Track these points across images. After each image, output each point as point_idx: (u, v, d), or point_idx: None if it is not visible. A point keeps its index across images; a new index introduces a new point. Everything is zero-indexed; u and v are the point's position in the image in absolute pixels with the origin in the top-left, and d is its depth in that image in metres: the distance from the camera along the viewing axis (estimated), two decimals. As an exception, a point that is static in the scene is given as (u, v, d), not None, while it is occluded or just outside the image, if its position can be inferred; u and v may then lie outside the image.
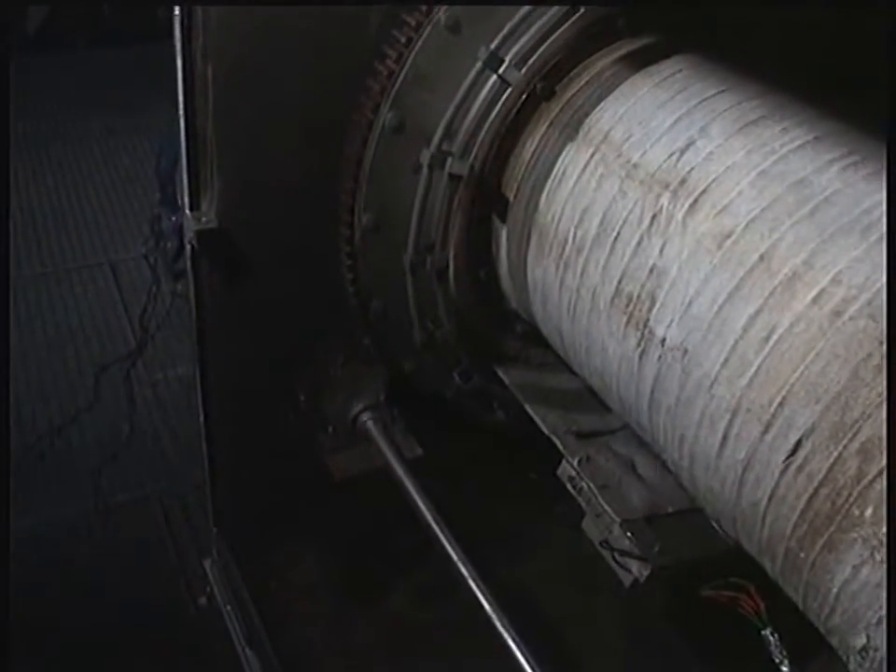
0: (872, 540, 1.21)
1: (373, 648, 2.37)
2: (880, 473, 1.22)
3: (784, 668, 1.67)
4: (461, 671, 2.38)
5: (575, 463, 1.97)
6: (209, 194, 1.91)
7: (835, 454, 1.27)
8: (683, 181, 1.59)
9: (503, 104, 1.85)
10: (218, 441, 2.35)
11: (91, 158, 5.08)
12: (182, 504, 3.14)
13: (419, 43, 1.80)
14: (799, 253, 1.39)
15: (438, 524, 2.01)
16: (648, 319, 1.58)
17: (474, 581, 1.93)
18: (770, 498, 1.38)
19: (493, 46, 1.81)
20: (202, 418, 2.32)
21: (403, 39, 1.81)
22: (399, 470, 2.11)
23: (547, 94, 1.87)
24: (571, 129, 1.83)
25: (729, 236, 1.48)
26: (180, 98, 1.81)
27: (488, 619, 1.86)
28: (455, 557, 1.97)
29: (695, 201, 1.56)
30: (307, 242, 2.07)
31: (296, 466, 2.36)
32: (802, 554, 1.34)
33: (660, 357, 1.56)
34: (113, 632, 2.74)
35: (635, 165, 1.67)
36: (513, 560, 2.40)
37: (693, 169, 1.59)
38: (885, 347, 1.26)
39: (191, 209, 1.93)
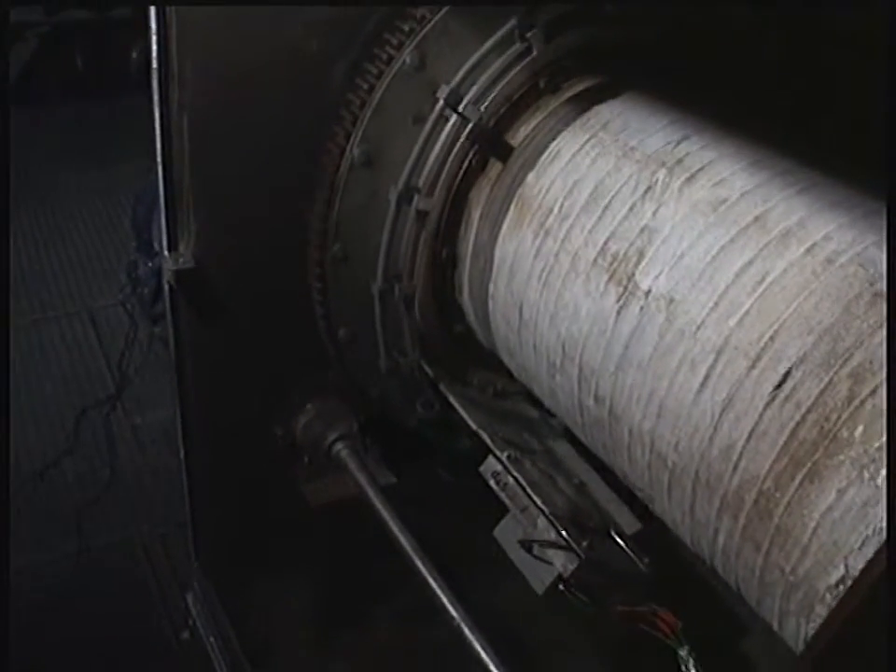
0: (861, 459, 1.23)
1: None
2: (871, 393, 1.26)
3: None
4: None
5: (504, 457, 1.96)
6: (186, 236, 2.00)
7: (826, 379, 1.30)
8: (680, 161, 1.69)
9: (462, 143, 1.92)
10: (198, 476, 2.36)
11: (66, 209, 5.13)
12: (163, 542, 3.18)
13: (386, 81, 1.88)
14: (791, 217, 1.50)
15: (413, 548, 2.02)
16: (633, 274, 1.61)
17: (452, 605, 1.91)
18: (749, 437, 1.38)
19: (454, 84, 1.89)
20: (182, 454, 2.36)
21: (366, 86, 1.89)
22: (374, 497, 2.13)
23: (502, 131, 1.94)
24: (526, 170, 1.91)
25: (724, 202, 1.57)
26: (158, 146, 1.92)
27: (469, 644, 1.84)
28: (432, 582, 1.96)
29: (692, 175, 1.65)
30: (281, 280, 2.17)
31: (274, 498, 2.39)
32: (777, 494, 1.34)
33: (642, 308, 1.58)
34: (98, 663, 2.77)
35: (632, 148, 1.76)
36: (490, 585, 2.43)
37: (688, 154, 1.69)
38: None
39: (169, 250, 2.01)
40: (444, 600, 1.93)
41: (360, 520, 2.17)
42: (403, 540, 2.04)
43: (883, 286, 1.36)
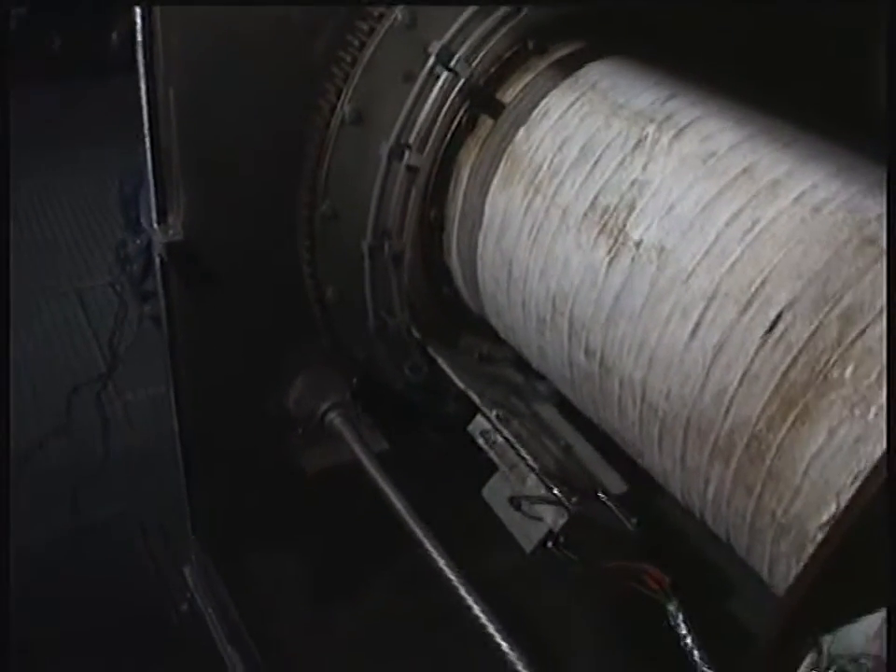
0: (852, 398, 1.25)
1: (353, 640, 2.43)
2: (861, 333, 1.28)
3: (688, 640, 1.58)
4: (443, 662, 2.42)
5: (492, 415, 1.96)
6: (175, 209, 2.00)
7: (816, 322, 1.33)
8: (668, 117, 1.71)
9: (453, 99, 1.93)
10: (192, 449, 2.36)
11: (53, 191, 5.11)
12: (158, 517, 3.19)
13: (377, 38, 1.88)
14: (779, 168, 1.52)
15: (409, 513, 2.02)
16: (624, 226, 1.63)
17: (449, 569, 1.91)
18: (740, 381, 1.40)
19: (444, 40, 1.89)
20: (175, 427, 2.37)
21: (357, 42, 1.88)
22: (368, 463, 2.14)
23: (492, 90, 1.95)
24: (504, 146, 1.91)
25: (713, 155, 1.59)
26: (145, 120, 1.91)
27: (467, 608, 1.84)
28: (428, 547, 1.95)
29: (680, 131, 1.67)
30: (270, 250, 2.16)
31: (269, 468, 2.38)
32: (769, 436, 1.35)
33: (633, 259, 1.59)
34: (99, 639, 2.80)
35: (620, 106, 1.78)
36: (484, 553, 2.44)
37: (676, 111, 1.72)
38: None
39: (159, 223, 2.00)
40: (441, 564, 1.93)
41: (355, 488, 2.18)
42: (399, 505, 2.05)
43: (871, 231, 1.38)
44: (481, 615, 1.83)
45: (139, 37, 1.82)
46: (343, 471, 2.25)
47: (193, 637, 2.57)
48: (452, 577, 1.92)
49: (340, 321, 2.22)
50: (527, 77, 1.96)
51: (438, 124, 1.94)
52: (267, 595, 2.48)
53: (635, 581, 1.72)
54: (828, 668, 1.04)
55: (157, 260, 2.09)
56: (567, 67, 1.92)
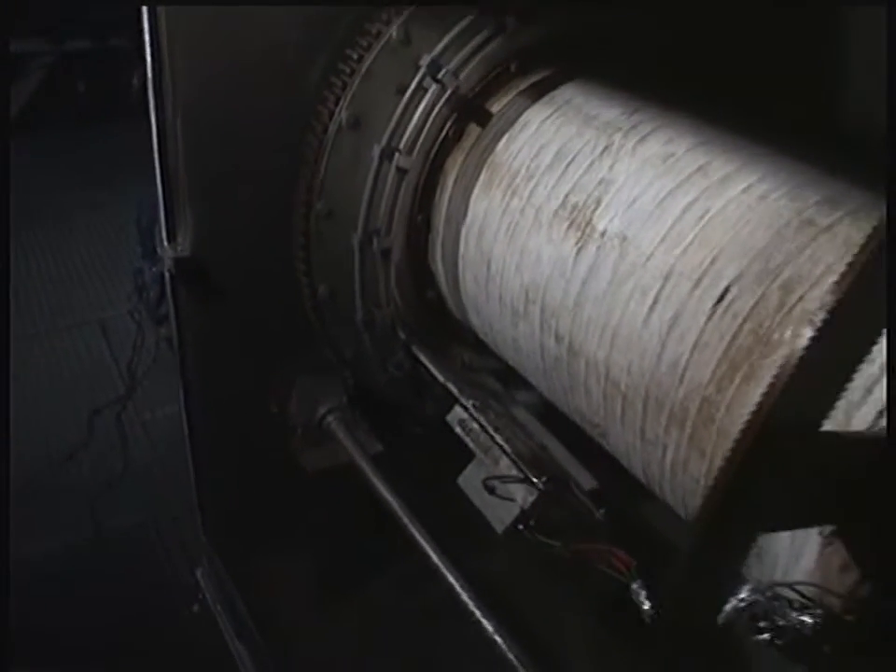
0: (792, 357, 1.24)
1: (356, 635, 2.51)
2: (799, 299, 1.39)
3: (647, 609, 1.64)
4: (442, 655, 2.48)
5: (469, 405, 2.06)
6: (183, 228, 2.16)
7: (759, 292, 1.44)
8: (634, 126, 1.86)
9: (440, 109, 2.08)
10: (202, 454, 2.48)
11: (77, 229, 5.39)
12: (174, 525, 3.31)
13: (374, 52, 2.03)
14: (730, 166, 1.66)
15: (403, 511, 2.10)
16: (591, 219, 1.76)
17: (444, 566, 1.98)
18: (692, 349, 1.50)
19: (434, 54, 2.05)
20: (185, 431, 2.48)
21: (356, 56, 2.04)
22: (363, 464, 2.26)
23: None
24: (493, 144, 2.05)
25: (672, 156, 1.75)
26: (154, 146, 2.09)
27: (462, 605, 1.90)
28: (422, 543, 2.03)
29: (643, 137, 1.83)
30: (273, 263, 2.31)
31: (276, 473, 2.49)
32: (718, 397, 1.45)
33: (598, 248, 1.72)
34: (114, 639, 2.91)
35: (592, 117, 1.94)
36: (479, 551, 2.48)
37: (641, 122, 1.87)
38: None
39: (168, 242, 2.17)
40: (435, 560, 2.02)
41: (359, 490, 2.28)
42: (394, 504, 2.15)
43: (809, 214, 1.51)
44: (475, 611, 1.90)
45: (149, 72, 1.96)
46: (340, 472, 2.35)
47: (204, 634, 2.66)
48: (447, 574, 1.99)
49: (331, 318, 2.33)
50: (509, 96, 2.12)
51: (426, 130, 2.10)
52: (274, 594, 2.57)
53: (603, 563, 1.78)
54: (763, 593, 1.11)
55: (167, 275, 2.22)
56: (546, 86, 2.09)
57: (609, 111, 1.94)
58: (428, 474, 2.55)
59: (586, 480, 2.02)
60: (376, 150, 2.10)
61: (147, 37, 1.95)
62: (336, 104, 2.06)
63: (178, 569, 3.15)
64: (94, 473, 3.68)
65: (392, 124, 2.09)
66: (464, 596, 1.94)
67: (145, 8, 1.92)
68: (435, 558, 2.02)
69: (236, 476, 2.56)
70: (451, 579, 1.98)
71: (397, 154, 2.10)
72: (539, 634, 2.32)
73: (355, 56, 2.04)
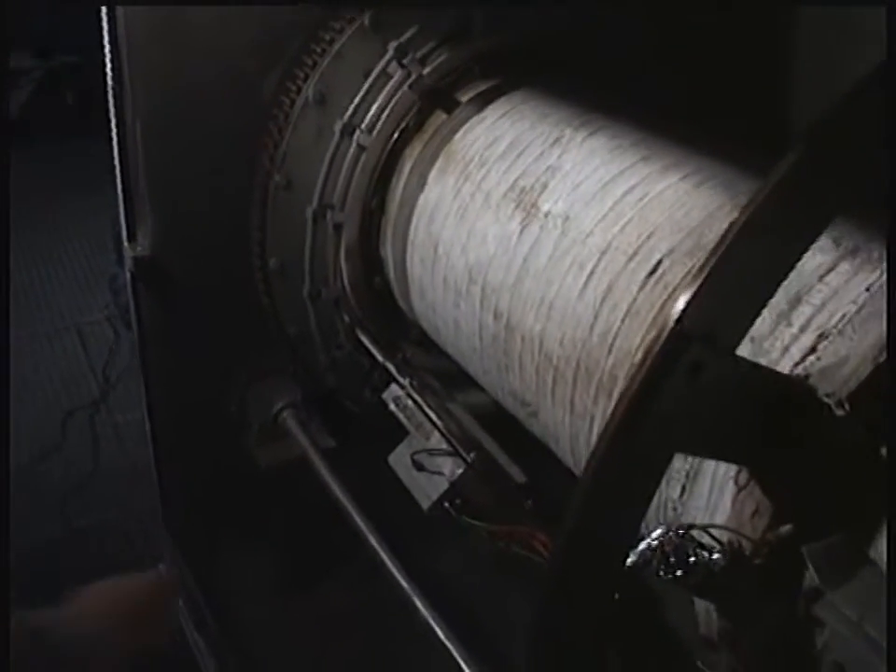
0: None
1: (314, 629, 2.51)
2: None
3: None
4: (394, 650, 2.44)
5: (406, 382, 2.09)
6: (143, 228, 2.22)
7: (690, 264, 1.50)
8: (584, 122, 1.95)
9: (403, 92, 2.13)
10: (164, 451, 2.55)
11: (57, 234, 5.45)
12: (141, 524, 3.32)
13: (346, 35, 2.10)
14: (671, 157, 1.75)
15: (352, 506, 2.13)
16: (536, 201, 1.83)
17: (391, 562, 2.01)
18: (623, 318, 1.55)
19: (402, 40, 2.12)
20: (147, 427, 2.51)
21: (328, 37, 2.10)
22: (316, 459, 2.31)
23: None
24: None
25: (618, 147, 1.83)
26: (115, 149, 2.16)
27: (411, 603, 1.92)
28: (371, 541, 2.07)
29: (592, 132, 1.91)
30: (229, 264, 2.36)
31: (235, 470, 2.53)
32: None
33: (541, 227, 1.78)
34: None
35: (546, 114, 2.03)
36: (430, 549, 2.44)
37: (592, 119, 1.96)
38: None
39: (129, 241, 2.23)
40: (384, 558, 2.04)
41: (317, 485, 2.28)
42: (343, 500, 2.18)
43: (741, 200, 1.56)
44: (422, 609, 1.92)
45: (108, 79, 2.03)
46: (294, 466, 2.37)
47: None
48: (393, 571, 2.01)
49: (279, 291, 2.36)
50: (469, 94, 2.19)
51: (387, 111, 2.16)
52: (232, 587, 2.57)
53: (524, 546, 1.81)
54: (677, 531, 1.11)
55: (128, 275, 2.27)
56: (506, 88, 2.18)
57: (563, 111, 2.03)
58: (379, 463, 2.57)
59: (517, 475, 2.04)
60: (338, 125, 2.15)
61: (105, 36, 2.00)
62: (305, 80, 2.12)
63: (143, 564, 3.14)
64: (66, 474, 3.68)
65: (356, 102, 2.15)
66: (409, 591, 1.96)
67: (104, 10, 1.96)
68: (381, 553, 2.05)
69: (197, 472, 2.58)
70: (396, 574, 2.00)
71: (357, 131, 2.15)
72: (493, 633, 2.31)
73: (327, 38, 2.11)
